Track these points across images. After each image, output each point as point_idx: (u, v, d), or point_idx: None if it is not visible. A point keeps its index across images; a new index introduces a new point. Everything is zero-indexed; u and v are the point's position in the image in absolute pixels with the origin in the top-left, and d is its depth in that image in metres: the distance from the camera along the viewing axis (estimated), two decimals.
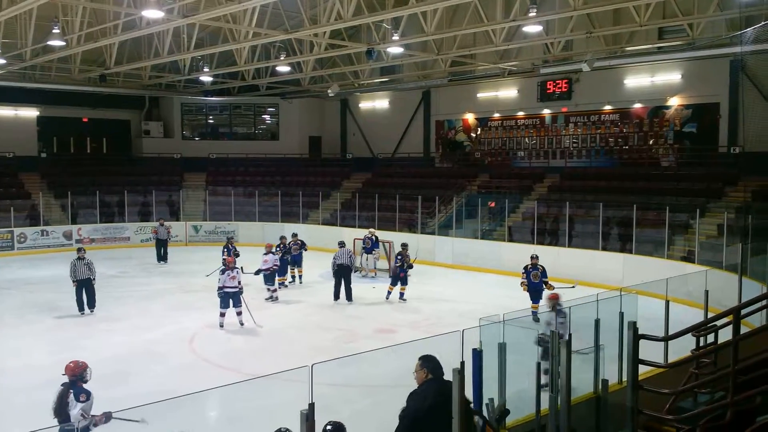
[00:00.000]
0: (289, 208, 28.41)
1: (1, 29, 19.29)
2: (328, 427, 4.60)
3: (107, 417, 6.16)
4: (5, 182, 28.05)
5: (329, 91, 28.05)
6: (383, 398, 5.23)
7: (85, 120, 32.72)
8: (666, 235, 18.30)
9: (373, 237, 20.72)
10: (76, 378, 6.77)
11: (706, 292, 9.39)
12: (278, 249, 18.21)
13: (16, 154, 29.39)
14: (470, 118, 29.23)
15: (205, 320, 14.60)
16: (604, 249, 19.52)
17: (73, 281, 15.07)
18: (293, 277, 18.99)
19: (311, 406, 4.22)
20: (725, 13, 18.00)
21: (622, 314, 6.87)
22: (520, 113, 27.44)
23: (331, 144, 35.14)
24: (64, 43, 19.97)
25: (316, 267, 20.50)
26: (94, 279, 15.29)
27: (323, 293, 17.93)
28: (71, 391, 6.64)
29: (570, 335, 6.04)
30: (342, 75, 28.11)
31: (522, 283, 14.48)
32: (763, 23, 15.45)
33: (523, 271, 14.58)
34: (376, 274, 20.50)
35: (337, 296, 16.82)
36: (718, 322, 7.00)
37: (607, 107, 24.91)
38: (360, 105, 33.76)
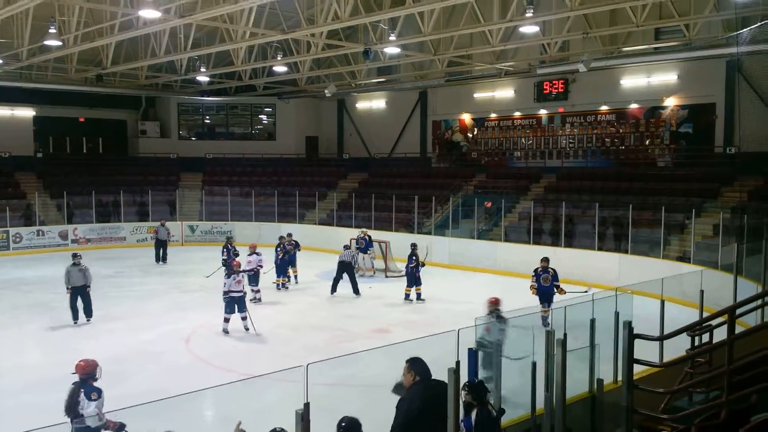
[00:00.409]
0: (286, 208, 28.40)
1: None
2: (343, 423, 4.59)
3: (121, 427, 6.16)
4: (1, 182, 27.99)
5: (326, 91, 28.04)
6: (379, 398, 5.24)
7: (81, 120, 32.70)
8: (662, 235, 18.33)
9: (366, 237, 20.70)
10: (88, 376, 6.78)
11: (702, 291, 9.41)
12: (279, 249, 18.16)
13: (12, 154, 29.34)
14: (467, 118, 29.24)
15: (201, 320, 14.58)
16: (600, 249, 19.55)
17: (67, 289, 14.14)
18: (288, 277, 18.92)
19: (306, 405, 4.22)
20: (721, 14, 18.05)
21: (617, 314, 6.87)
22: (517, 113, 27.46)
23: (328, 144, 35.14)
24: (60, 43, 19.92)
25: (312, 267, 20.50)
26: (89, 286, 14.33)
27: (318, 293, 17.94)
28: (82, 389, 6.65)
29: (565, 335, 6.04)
30: (339, 75, 28.11)
31: (531, 286, 13.76)
32: (759, 24, 15.50)
33: (533, 274, 13.87)
34: (374, 273, 20.52)
35: (333, 290, 17.30)
36: (713, 322, 7.02)
37: (604, 107, 24.94)
38: (357, 105, 33.75)
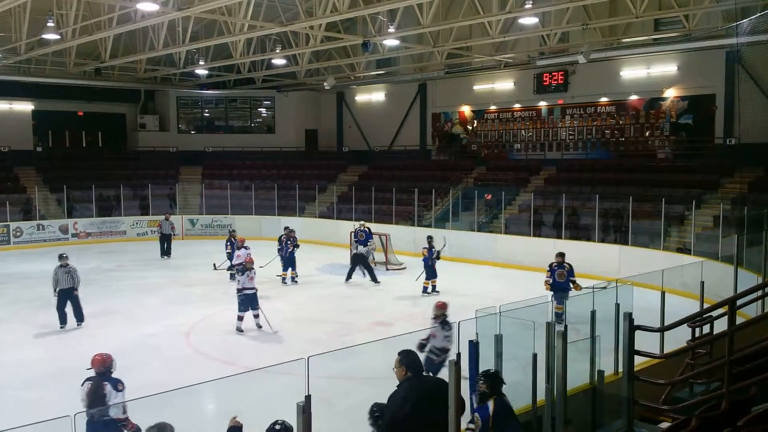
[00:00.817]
0: (286, 202, 28.39)
1: None
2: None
3: (137, 430, 6.15)
4: (1, 177, 27.95)
5: (325, 84, 27.99)
6: (379, 391, 5.23)
7: (80, 114, 32.63)
8: (662, 227, 18.33)
9: (366, 229, 20.64)
10: (106, 369, 6.75)
11: (702, 283, 9.41)
12: (289, 242, 18.10)
13: (12, 148, 29.29)
14: (466, 110, 29.20)
15: (202, 314, 14.60)
16: (600, 241, 19.56)
17: (55, 291, 13.31)
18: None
19: (308, 398, 4.22)
20: (721, 4, 18.00)
21: (618, 305, 6.88)
22: (517, 105, 27.41)
23: (328, 137, 35.09)
24: (58, 37, 19.88)
25: (312, 260, 20.51)
26: (76, 289, 13.38)
27: (319, 287, 17.96)
28: (106, 383, 6.62)
29: (566, 327, 6.03)
30: (338, 68, 28.06)
31: (546, 281, 13.41)
32: (758, 14, 15.45)
33: (548, 269, 13.50)
34: (375, 266, 20.50)
35: (348, 278, 18.30)
36: (714, 313, 7.03)
37: (604, 99, 24.90)
38: (356, 98, 33.69)
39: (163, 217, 23.93)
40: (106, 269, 20.46)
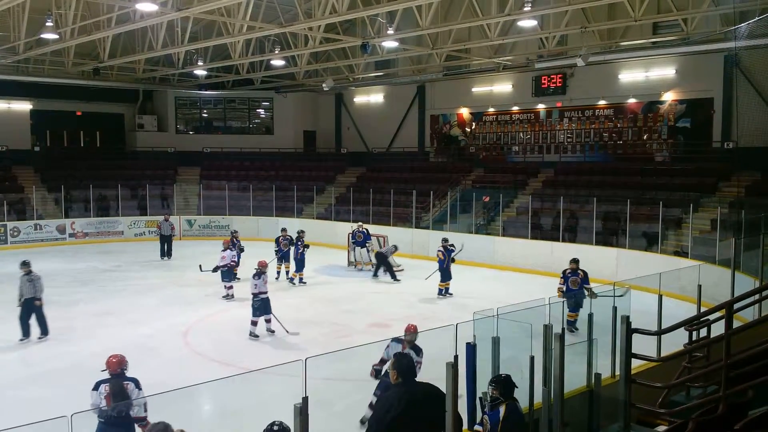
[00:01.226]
0: (284, 203, 28.37)
1: None
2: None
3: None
4: None
5: (324, 85, 27.98)
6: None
7: (78, 113, 32.58)
8: (659, 230, 18.35)
9: (364, 230, 20.66)
10: (122, 370, 6.72)
11: (699, 286, 9.41)
12: (300, 243, 18.20)
13: (9, 147, 29.23)
14: (465, 112, 29.22)
15: (199, 314, 14.59)
16: (597, 244, 19.57)
17: (19, 301, 12.49)
18: (278, 272, 18.61)
19: (305, 399, 4.22)
20: (719, 9, 18.06)
21: (615, 308, 6.88)
22: (515, 108, 27.45)
23: (326, 138, 35.08)
24: (57, 36, 19.85)
25: (310, 262, 20.45)
26: (38, 299, 12.46)
27: (317, 288, 17.95)
28: (128, 382, 6.59)
29: (563, 329, 6.05)
30: (336, 69, 28.07)
31: (558, 289, 13.14)
32: (757, 18, 15.47)
33: (562, 275, 13.26)
34: (373, 266, 20.51)
35: (374, 275, 19.08)
36: (711, 317, 7.04)
37: (602, 102, 24.94)
38: (355, 99, 33.70)
39: (162, 217, 23.88)
40: (103, 269, 20.44)
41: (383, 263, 19.20)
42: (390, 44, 21.63)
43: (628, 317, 6.22)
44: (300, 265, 18.26)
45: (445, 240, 17.42)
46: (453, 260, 16.89)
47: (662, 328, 7.26)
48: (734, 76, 20.40)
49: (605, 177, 23.15)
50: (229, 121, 35.76)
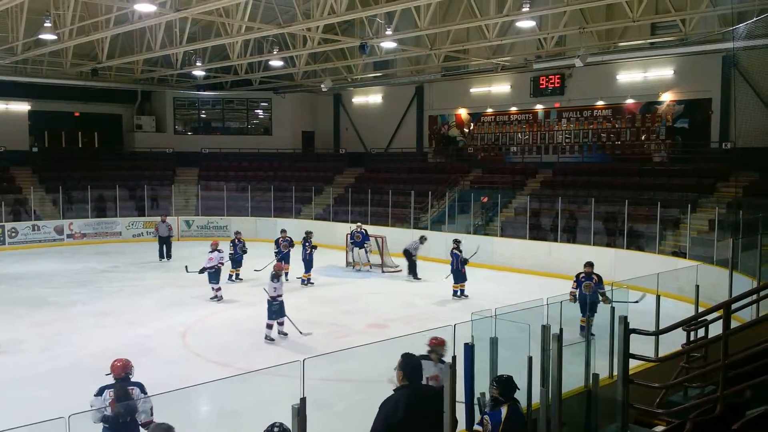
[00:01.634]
0: (282, 203, 28.37)
1: None
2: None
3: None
4: None
5: (322, 85, 27.98)
6: (375, 393, 5.24)
7: (76, 114, 32.55)
8: (657, 230, 18.36)
9: (363, 230, 20.65)
10: (127, 374, 6.54)
11: (697, 287, 9.43)
12: (307, 244, 18.29)
13: (7, 148, 29.22)
14: (463, 113, 29.24)
15: (197, 315, 14.58)
16: (595, 244, 19.57)
17: None
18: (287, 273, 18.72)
19: (303, 400, 4.23)
20: (718, 9, 18.06)
21: (613, 308, 6.89)
22: (513, 108, 27.47)
23: (324, 139, 35.09)
24: (55, 37, 19.84)
25: None
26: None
27: (315, 289, 17.94)
28: (133, 387, 6.42)
29: (561, 329, 6.05)
30: (335, 70, 28.08)
31: (571, 293, 12.56)
32: (755, 19, 15.49)
33: (575, 279, 12.86)
34: (371, 268, 20.52)
35: (416, 277, 19.09)
36: (709, 317, 7.05)
37: (600, 103, 24.97)
38: (353, 100, 33.70)
39: (159, 218, 23.81)
40: (101, 270, 20.42)
41: (410, 260, 19.21)
42: (388, 45, 21.65)
43: (626, 317, 6.23)
44: (308, 265, 18.28)
45: (456, 241, 17.11)
46: (466, 261, 16.60)
47: (660, 328, 7.27)
48: (732, 77, 20.41)
49: (603, 177, 23.17)
50: (227, 122, 35.76)
